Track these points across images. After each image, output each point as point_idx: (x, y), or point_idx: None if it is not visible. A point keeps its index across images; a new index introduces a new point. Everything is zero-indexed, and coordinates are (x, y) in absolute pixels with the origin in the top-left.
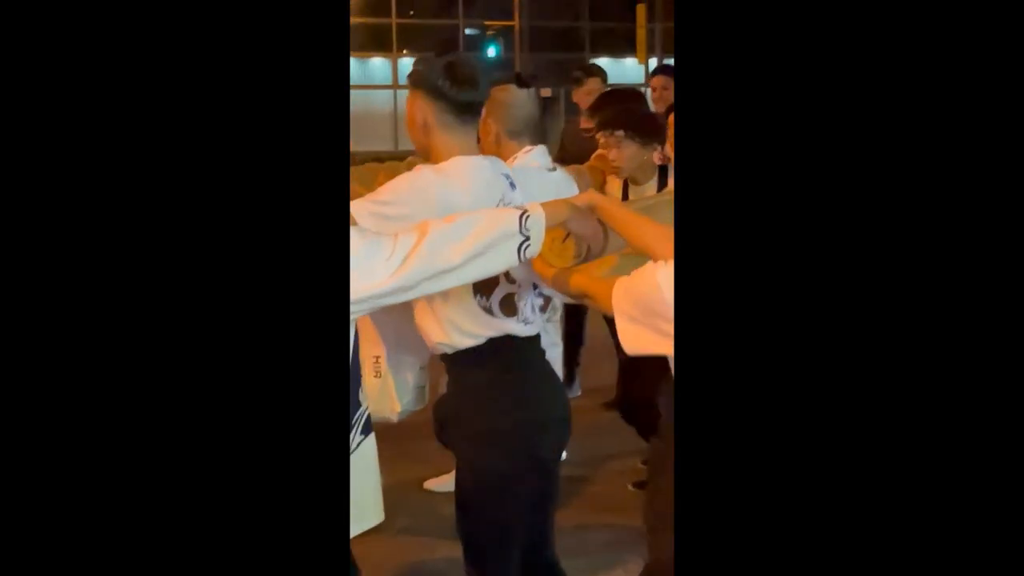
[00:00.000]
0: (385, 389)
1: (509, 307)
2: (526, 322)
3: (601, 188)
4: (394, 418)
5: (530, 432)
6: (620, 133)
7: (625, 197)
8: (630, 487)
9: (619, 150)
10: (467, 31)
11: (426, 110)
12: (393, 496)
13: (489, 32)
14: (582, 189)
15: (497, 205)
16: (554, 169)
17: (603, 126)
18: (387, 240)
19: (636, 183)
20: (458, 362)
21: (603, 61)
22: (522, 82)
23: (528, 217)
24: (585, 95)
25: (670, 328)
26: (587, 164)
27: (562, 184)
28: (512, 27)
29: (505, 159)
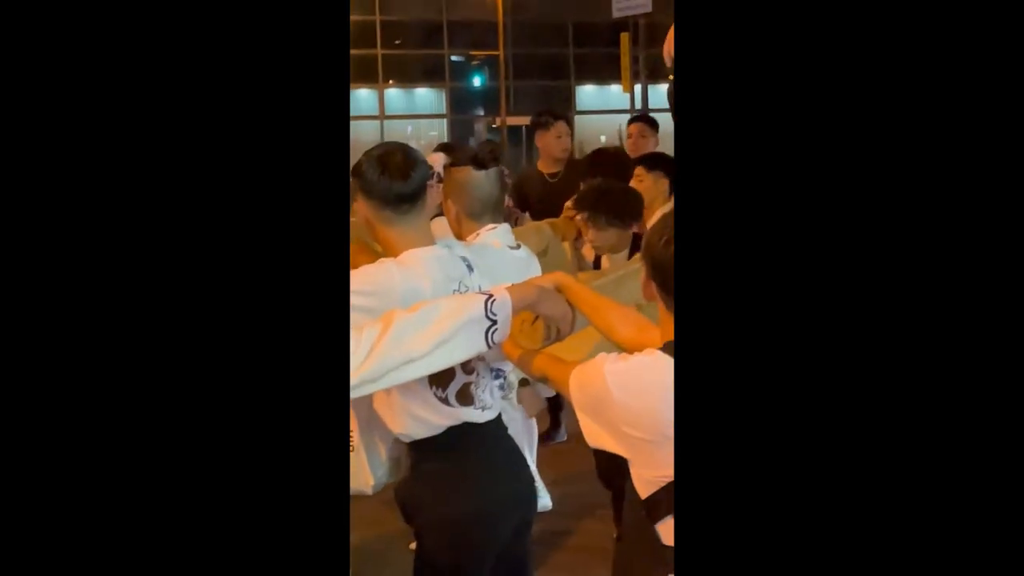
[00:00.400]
0: (359, 463)
1: (465, 397)
2: (484, 408)
3: (575, 241)
4: (368, 491)
5: (487, 520)
6: (603, 218)
7: (597, 264)
8: (616, 538)
9: (598, 231)
10: (453, 58)
11: (365, 209)
12: (380, 547)
13: (474, 62)
14: (553, 246)
15: (456, 288)
16: (517, 247)
17: (586, 209)
18: (352, 332)
19: (611, 250)
20: (417, 449)
21: (588, 88)
22: (479, 163)
23: (494, 301)
24: (554, 139)
25: (624, 428)
26: (562, 217)
27: (524, 263)
28: (497, 56)
29: (466, 237)
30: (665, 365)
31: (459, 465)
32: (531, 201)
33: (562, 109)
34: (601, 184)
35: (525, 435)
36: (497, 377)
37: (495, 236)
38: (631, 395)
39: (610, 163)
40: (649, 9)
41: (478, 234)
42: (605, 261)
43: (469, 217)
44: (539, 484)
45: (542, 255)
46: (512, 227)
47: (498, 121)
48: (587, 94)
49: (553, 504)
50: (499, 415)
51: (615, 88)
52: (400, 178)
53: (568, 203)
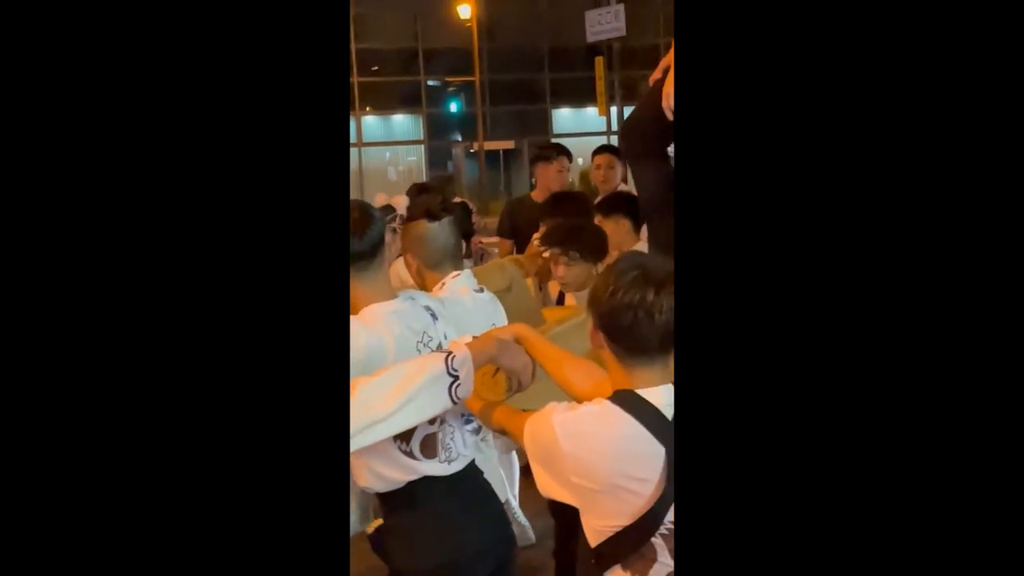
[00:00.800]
0: None
1: (430, 448)
2: (450, 460)
3: (541, 273)
4: None
5: (456, 569)
6: (575, 254)
7: (561, 300)
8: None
9: (567, 268)
10: (429, 83)
11: None
12: None
13: (451, 88)
14: (517, 282)
15: (420, 339)
16: (481, 290)
17: (552, 244)
18: None
19: (578, 288)
20: (385, 501)
21: (564, 112)
22: (432, 215)
23: (454, 358)
24: (555, 172)
25: (573, 478)
26: (527, 254)
27: (490, 306)
28: (473, 82)
29: (431, 287)
30: (613, 415)
31: (425, 516)
32: (522, 230)
33: (539, 133)
34: (568, 221)
35: (504, 471)
36: (468, 422)
37: (461, 283)
38: (579, 445)
39: (572, 207)
40: (623, 33)
41: (443, 284)
42: (569, 299)
43: (429, 268)
44: (522, 518)
45: (506, 292)
46: (477, 263)
47: (475, 146)
48: (563, 117)
49: (536, 537)
50: (471, 462)
51: (591, 111)
52: (356, 236)
53: (534, 239)
